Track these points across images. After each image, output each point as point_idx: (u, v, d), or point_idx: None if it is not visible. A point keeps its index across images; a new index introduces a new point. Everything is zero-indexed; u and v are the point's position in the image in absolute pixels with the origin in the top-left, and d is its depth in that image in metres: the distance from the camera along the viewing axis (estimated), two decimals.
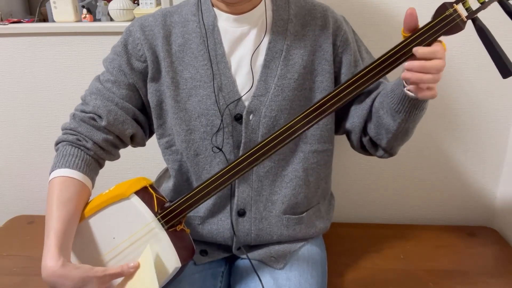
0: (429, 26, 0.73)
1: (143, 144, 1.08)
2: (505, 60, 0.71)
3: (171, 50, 0.97)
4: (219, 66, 0.95)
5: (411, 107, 0.85)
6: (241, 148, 0.97)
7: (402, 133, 0.93)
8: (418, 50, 0.74)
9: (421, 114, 0.89)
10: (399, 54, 0.75)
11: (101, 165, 1.00)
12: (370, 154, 1.05)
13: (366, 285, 1.20)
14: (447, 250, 1.34)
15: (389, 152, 1.00)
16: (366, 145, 1.02)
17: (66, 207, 0.85)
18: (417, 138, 1.45)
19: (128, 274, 0.85)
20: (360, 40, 1.06)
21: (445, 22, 0.72)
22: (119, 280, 0.87)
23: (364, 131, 1.01)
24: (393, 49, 0.75)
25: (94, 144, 0.95)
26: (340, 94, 0.79)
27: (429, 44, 0.74)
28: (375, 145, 1.01)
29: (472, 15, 0.73)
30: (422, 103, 0.85)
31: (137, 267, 0.86)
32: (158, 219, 0.87)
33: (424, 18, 0.75)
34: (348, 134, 1.07)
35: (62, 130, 0.98)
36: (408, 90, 0.82)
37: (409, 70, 0.75)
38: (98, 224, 0.89)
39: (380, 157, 1.02)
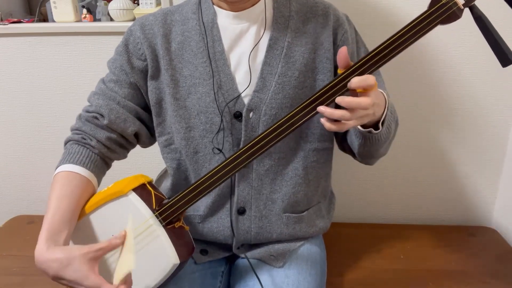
0: (426, 15, 0.72)
1: (151, 144, 1.09)
2: (504, 49, 0.70)
3: (171, 48, 0.97)
4: (218, 63, 0.95)
5: (365, 137, 0.88)
6: (241, 147, 0.97)
7: (366, 154, 0.96)
8: (353, 81, 0.74)
9: (379, 144, 0.90)
10: (396, 44, 0.74)
11: (108, 165, 1.02)
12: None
13: (366, 285, 1.20)
14: (447, 250, 1.34)
15: (365, 163, 1.03)
16: (347, 150, 1.04)
17: (65, 200, 0.86)
18: (417, 138, 1.45)
19: (115, 244, 0.84)
20: (361, 41, 1.05)
21: (442, 11, 0.71)
22: (114, 261, 0.87)
23: (343, 137, 1.03)
24: (387, 40, 0.75)
25: (98, 142, 0.97)
26: (337, 85, 0.77)
27: (418, 34, 0.74)
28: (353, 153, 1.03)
29: (469, 3, 0.71)
30: (375, 134, 0.87)
31: (123, 237, 0.85)
32: (156, 215, 0.87)
33: (422, 8, 0.74)
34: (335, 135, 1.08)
35: (71, 130, 1.00)
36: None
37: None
38: (96, 221, 0.89)
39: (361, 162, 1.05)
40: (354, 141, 0.94)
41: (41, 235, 0.82)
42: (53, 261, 0.79)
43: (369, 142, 0.89)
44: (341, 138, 1.04)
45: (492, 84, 1.37)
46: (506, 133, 1.43)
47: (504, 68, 0.72)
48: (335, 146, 1.08)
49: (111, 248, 0.84)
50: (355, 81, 0.74)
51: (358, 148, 0.94)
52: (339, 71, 0.77)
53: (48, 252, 0.80)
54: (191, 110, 0.96)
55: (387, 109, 0.85)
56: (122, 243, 0.86)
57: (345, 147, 1.05)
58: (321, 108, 0.77)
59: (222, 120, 0.94)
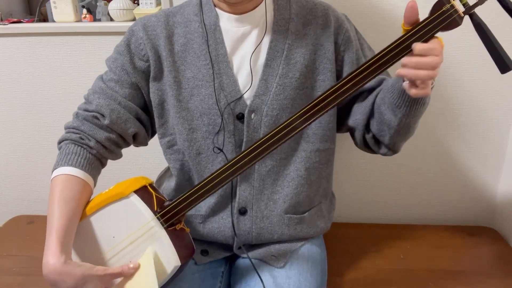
0: (426, 22, 0.73)
1: (146, 144, 1.09)
2: (503, 55, 0.71)
3: (174, 50, 0.97)
4: (221, 65, 0.95)
5: (411, 102, 0.85)
6: (243, 148, 0.97)
7: (404, 129, 0.92)
8: (416, 46, 0.73)
9: (422, 109, 0.88)
10: (398, 50, 0.75)
11: (103, 164, 1.01)
12: (374, 152, 1.04)
13: (366, 285, 1.20)
14: (447, 250, 1.34)
15: (392, 149, 0.99)
16: (369, 142, 1.01)
17: (68, 205, 0.86)
18: (418, 138, 1.45)
19: (128, 274, 0.86)
20: (362, 38, 1.06)
21: (442, 18, 0.72)
22: (119, 279, 0.87)
23: (367, 128, 1.00)
24: (391, 44, 0.75)
25: (97, 142, 0.96)
26: (340, 89, 0.78)
27: (426, 41, 0.74)
28: (378, 142, 1.00)
29: (469, 11, 0.72)
30: (422, 97, 0.84)
31: (137, 268, 0.86)
32: (158, 217, 0.87)
33: (422, 15, 0.75)
34: (351, 131, 1.06)
35: (65, 129, 0.98)
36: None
37: (404, 66, 0.75)
38: (98, 222, 0.89)
39: (384, 154, 1.01)
40: (391, 119, 0.90)
41: (51, 246, 0.81)
42: (69, 276, 0.79)
43: (414, 110, 0.86)
44: (364, 130, 1.01)
45: (492, 84, 1.37)
46: (506, 132, 1.43)
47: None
48: (338, 147, 1.08)
49: (123, 276, 0.86)
50: (420, 48, 0.73)
51: (398, 124, 0.90)
52: (405, 28, 0.76)
53: (65, 266, 0.79)
54: (194, 112, 0.96)
55: None
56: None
57: (367, 141, 1.02)
58: (402, 71, 0.75)
59: (222, 121, 0.94)
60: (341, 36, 0.98)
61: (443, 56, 0.76)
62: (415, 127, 0.94)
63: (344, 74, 1.00)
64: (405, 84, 0.80)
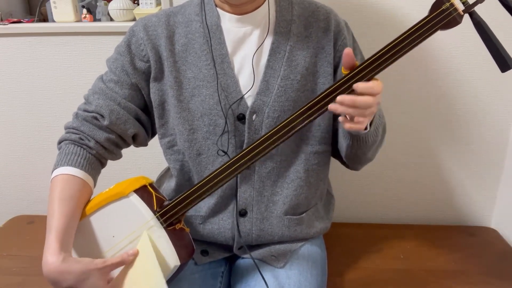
0: (426, 21, 0.73)
1: (145, 144, 1.09)
2: (503, 54, 0.71)
3: (174, 50, 0.97)
4: (222, 66, 0.95)
5: (352, 136, 0.89)
6: (243, 149, 0.97)
7: (353, 157, 0.98)
8: (359, 85, 0.75)
9: (367, 145, 0.92)
10: (394, 51, 0.75)
11: (103, 164, 1.01)
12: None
13: (366, 285, 1.20)
14: (447, 250, 1.34)
15: (349, 167, 1.06)
16: (336, 154, 1.06)
17: (67, 204, 0.86)
18: (417, 138, 1.45)
19: (128, 262, 0.85)
20: (358, 48, 1.06)
21: (442, 16, 0.72)
22: (120, 269, 0.87)
23: (335, 142, 1.04)
24: (391, 43, 0.75)
25: (96, 143, 0.96)
26: (337, 89, 0.78)
27: (421, 42, 0.74)
28: (340, 156, 1.05)
29: (469, 9, 0.72)
30: (362, 135, 0.88)
31: (136, 254, 0.86)
32: (157, 217, 0.87)
33: (422, 15, 0.75)
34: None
35: (65, 129, 0.98)
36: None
37: (339, 103, 0.77)
38: (97, 222, 0.89)
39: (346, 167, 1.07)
40: (342, 143, 0.96)
41: (51, 245, 0.81)
42: (69, 274, 0.79)
43: (356, 144, 0.91)
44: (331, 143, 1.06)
45: (492, 84, 1.38)
46: (506, 133, 1.43)
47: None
48: None
49: (124, 264, 0.86)
50: (363, 87, 0.75)
51: (345, 150, 0.96)
52: (344, 72, 0.77)
53: (64, 263, 0.79)
54: (195, 112, 0.96)
55: (376, 112, 0.86)
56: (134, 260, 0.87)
57: (334, 152, 1.07)
58: (332, 106, 0.77)
59: (226, 122, 0.94)
60: (338, 42, 0.99)
61: (380, 98, 0.79)
62: (367, 158, 0.99)
63: (335, 79, 1.00)
64: (340, 117, 0.81)
